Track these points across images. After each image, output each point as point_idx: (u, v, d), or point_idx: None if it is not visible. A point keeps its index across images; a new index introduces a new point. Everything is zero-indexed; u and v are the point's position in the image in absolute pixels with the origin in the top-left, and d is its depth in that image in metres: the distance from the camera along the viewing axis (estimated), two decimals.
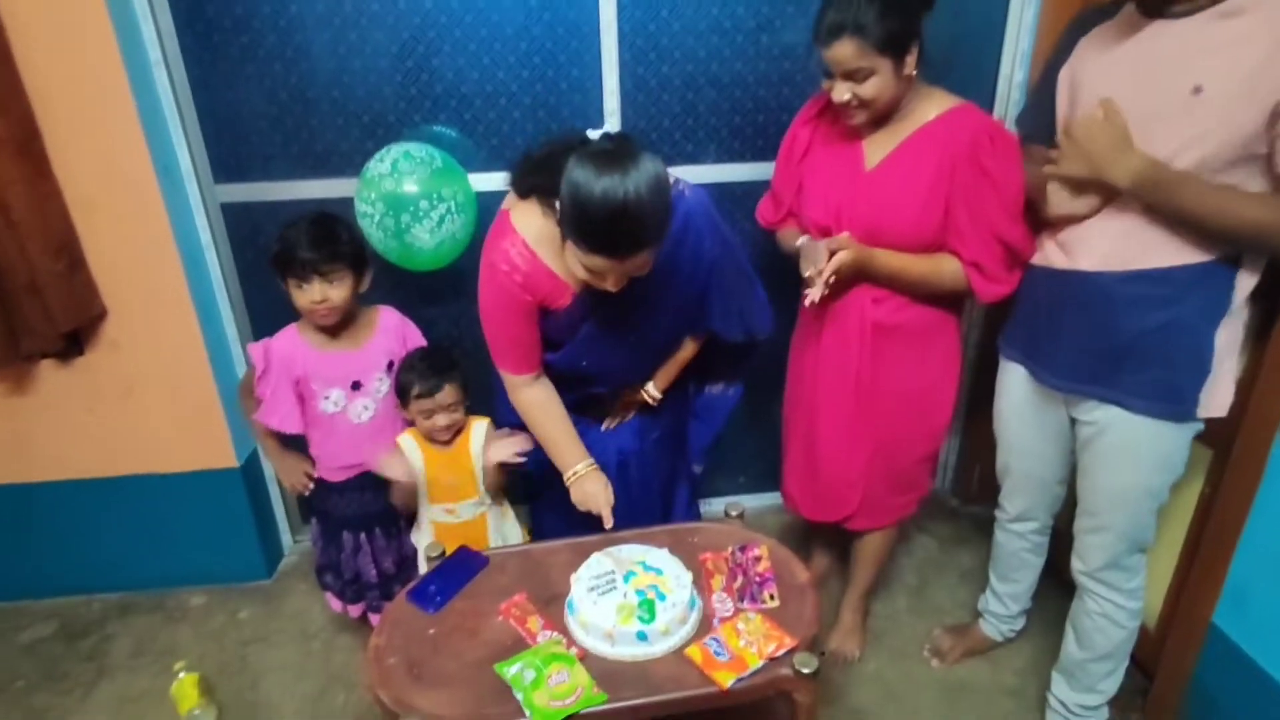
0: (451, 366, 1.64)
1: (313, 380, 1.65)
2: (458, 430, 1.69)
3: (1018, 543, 1.75)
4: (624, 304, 1.41)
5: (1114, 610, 1.49)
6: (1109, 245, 1.30)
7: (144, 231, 1.82)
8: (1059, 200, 1.34)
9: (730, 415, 1.81)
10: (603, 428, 1.69)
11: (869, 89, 1.37)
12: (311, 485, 1.77)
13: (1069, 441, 1.53)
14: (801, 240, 1.56)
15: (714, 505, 2.38)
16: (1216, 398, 1.29)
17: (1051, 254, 1.41)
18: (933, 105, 1.45)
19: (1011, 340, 1.57)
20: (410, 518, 1.80)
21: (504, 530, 1.77)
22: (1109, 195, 1.28)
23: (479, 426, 1.71)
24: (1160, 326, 1.27)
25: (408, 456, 1.68)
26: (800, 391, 1.76)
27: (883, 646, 1.96)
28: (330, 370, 1.66)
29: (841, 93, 1.38)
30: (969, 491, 2.45)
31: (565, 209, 1.18)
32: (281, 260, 1.56)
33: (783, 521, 2.37)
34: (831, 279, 1.44)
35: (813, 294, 1.45)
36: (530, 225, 1.37)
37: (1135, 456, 1.37)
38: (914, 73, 1.39)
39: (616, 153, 1.16)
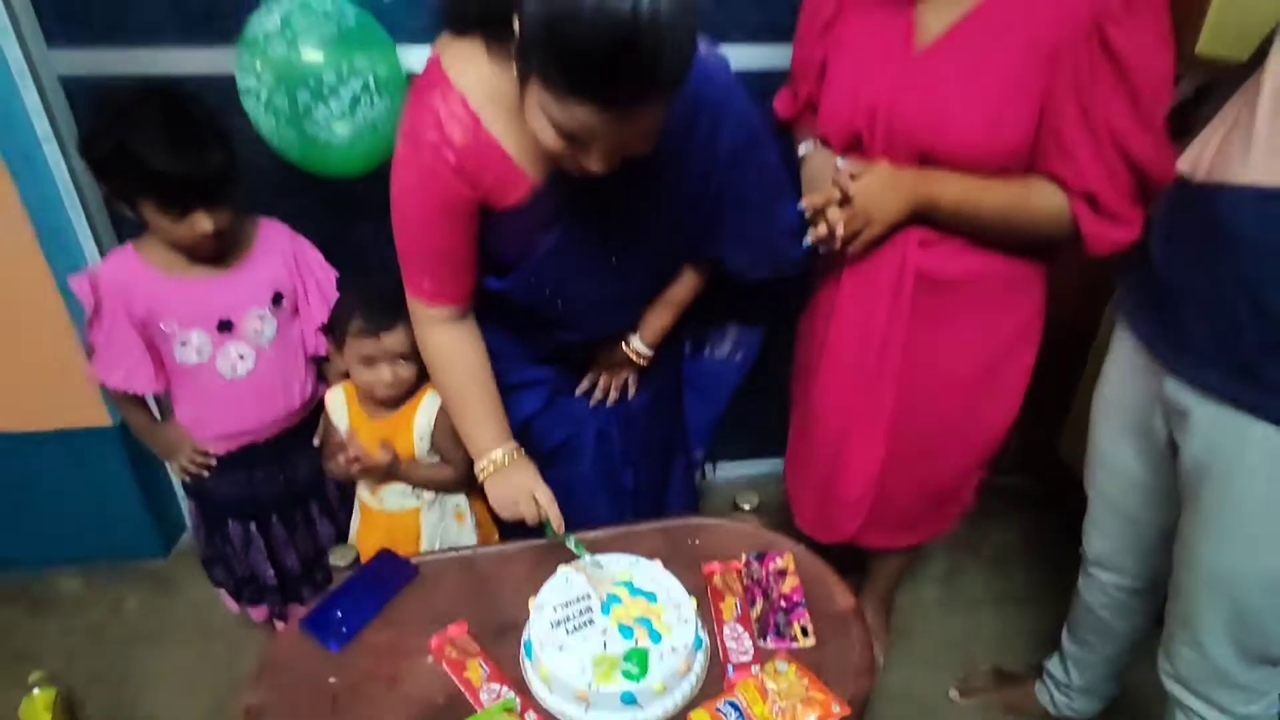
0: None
1: (162, 318, 1.21)
2: (405, 394, 1.28)
3: (1097, 596, 1.29)
4: (605, 204, 1.00)
5: None
6: None
7: None
8: None
9: (738, 389, 1.40)
10: (577, 392, 1.28)
11: None
12: (212, 463, 1.34)
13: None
14: (805, 148, 1.12)
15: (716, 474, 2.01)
16: None
17: (1209, 160, 0.94)
18: None
19: (1126, 297, 1.09)
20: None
21: (446, 536, 1.36)
22: None
23: (433, 399, 1.29)
24: None
25: (332, 415, 1.28)
26: (806, 358, 1.34)
27: (910, 651, 1.64)
28: (185, 304, 1.22)
29: None
30: (1001, 461, 2.10)
31: (534, 25, 0.74)
32: (134, 178, 1.10)
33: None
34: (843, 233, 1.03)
35: (820, 233, 1.04)
36: (471, 74, 0.92)
37: (1263, 516, 0.91)
38: None
39: None
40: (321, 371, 1.40)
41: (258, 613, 1.47)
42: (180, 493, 1.91)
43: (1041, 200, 1.03)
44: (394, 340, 1.21)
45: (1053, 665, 1.43)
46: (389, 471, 1.28)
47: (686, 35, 0.75)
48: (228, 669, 1.59)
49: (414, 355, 1.23)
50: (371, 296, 1.23)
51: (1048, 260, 1.15)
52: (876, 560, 1.58)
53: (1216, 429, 0.93)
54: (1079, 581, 1.32)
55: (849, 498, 1.29)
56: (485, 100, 0.93)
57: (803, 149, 1.13)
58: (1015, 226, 1.06)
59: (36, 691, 1.44)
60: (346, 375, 1.30)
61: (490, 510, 1.16)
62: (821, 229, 1.07)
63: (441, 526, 1.34)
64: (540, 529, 1.07)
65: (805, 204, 1.08)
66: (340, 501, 1.45)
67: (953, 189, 1.04)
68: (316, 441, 1.36)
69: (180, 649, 1.64)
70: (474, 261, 1.06)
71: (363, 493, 1.35)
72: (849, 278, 1.18)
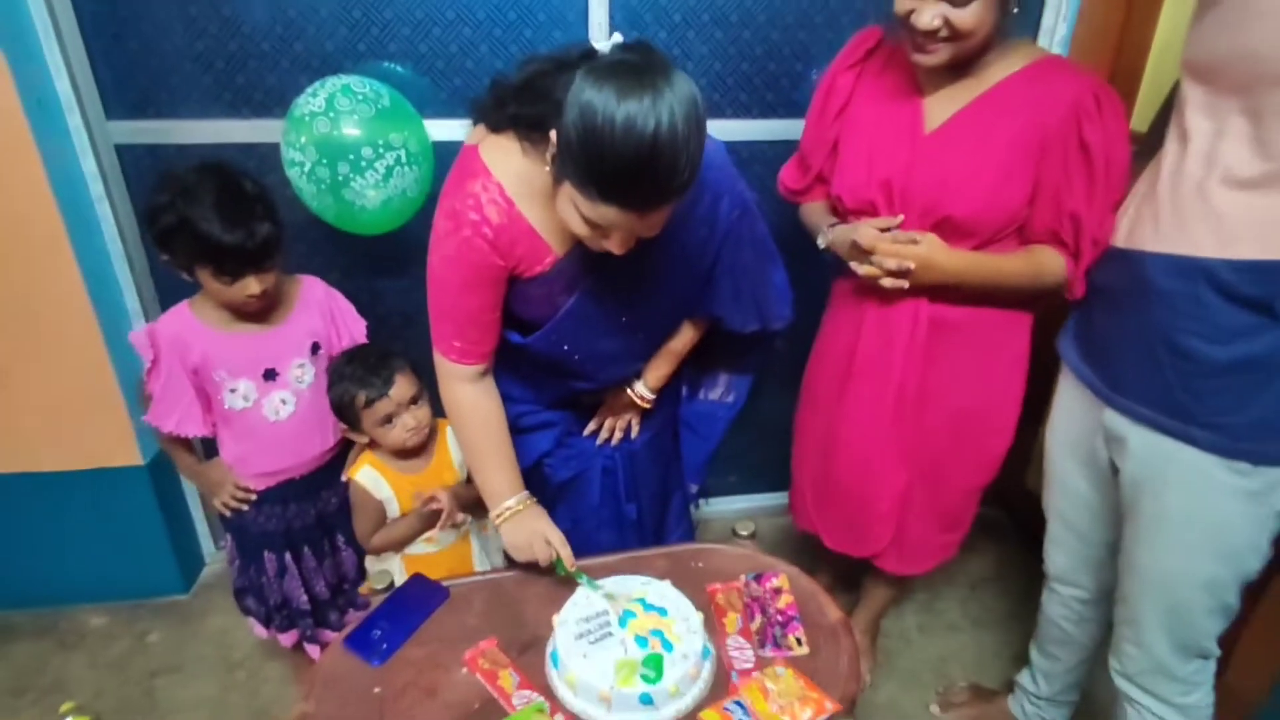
0: (388, 353, 1.34)
1: (214, 369, 1.33)
2: (429, 432, 1.40)
3: (1058, 609, 1.41)
4: (615, 275, 1.13)
5: None
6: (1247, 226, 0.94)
7: (9, 177, 1.46)
8: None
9: (729, 428, 1.54)
10: (584, 432, 1.41)
11: (968, 16, 1.08)
12: (252, 498, 1.44)
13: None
14: (823, 239, 1.29)
15: (705, 509, 2.13)
16: None
17: (1128, 227, 1.12)
18: (1016, 57, 1.18)
19: (1069, 341, 1.25)
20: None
21: (490, 551, 1.48)
22: None
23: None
24: (1270, 342, 0.95)
25: (371, 491, 1.38)
26: (820, 393, 1.49)
27: (895, 670, 1.76)
28: (235, 356, 1.34)
29: (931, 17, 1.09)
30: None
31: (571, 143, 0.88)
32: (192, 247, 1.22)
33: (781, 525, 2.13)
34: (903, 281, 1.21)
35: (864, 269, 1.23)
36: (506, 166, 1.06)
37: (1189, 524, 1.05)
38: (1015, 10, 1.11)
39: (642, 68, 0.86)
40: None
41: (287, 638, 1.55)
42: (202, 530, 2.00)
43: (1050, 264, 1.21)
44: (400, 389, 1.33)
45: (1023, 678, 1.55)
46: (463, 505, 1.39)
47: (697, 147, 0.90)
48: (251, 696, 1.67)
49: (421, 393, 1.35)
50: (359, 369, 1.34)
51: (1032, 309, 1.34)
52: (870, 587, 1.72)
53: (1149, 452, 1.08)
54: (1043, 597, 1.45)
55: (881, 511, 1.43)
56: (518, 187, 1.07)
57: (822, 240, 1.33)
58: (1029, 288, 1.25)
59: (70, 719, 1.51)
60: (368, 443, 1.41)
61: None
62: (866, 270, 1.25)
63: (484, 539, 1.47)
64: (550, 568, 1.19)
65: (867, 242, 1.24)
66: None
67: (978, 268, 1.23)
68: (358, 531, 1.42)
69: (205, 679, 1.71)
70: (498, 325, 1.19)
71: (413, 547, 1.44)
72: (868, 325, 1.35)
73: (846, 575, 1.83)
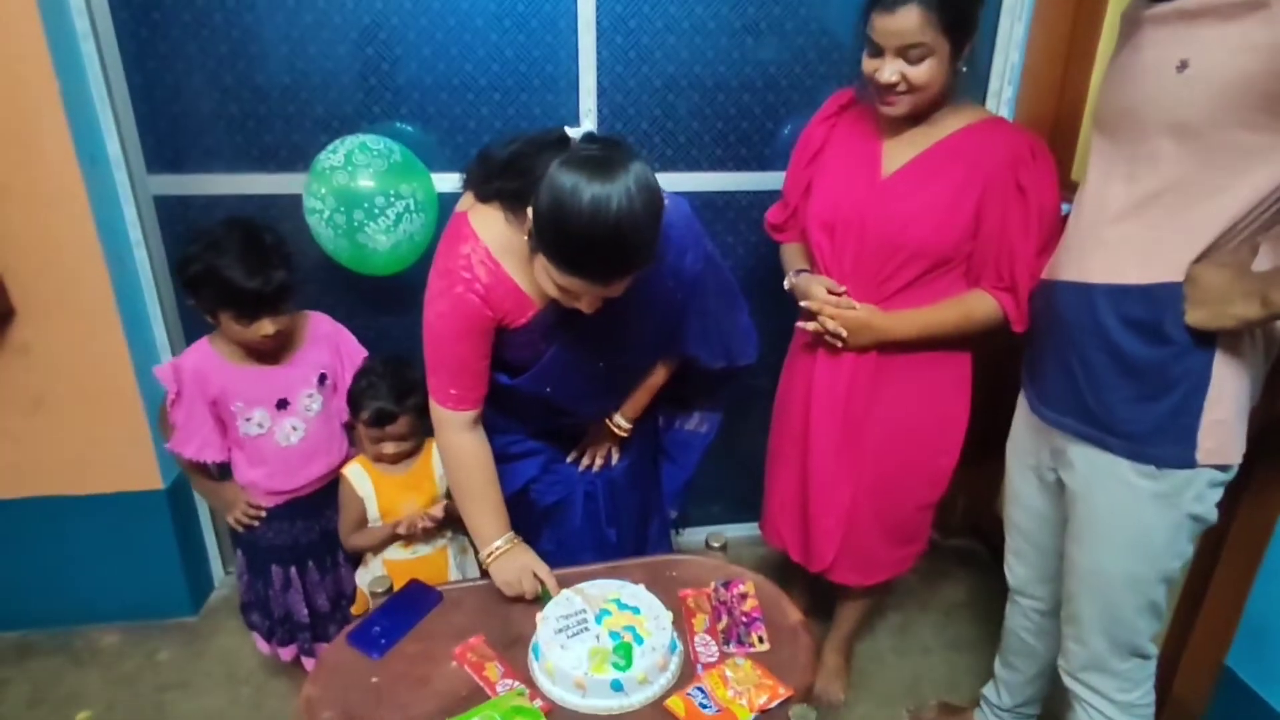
0: (411, 391, 1.46)
1: (232, 400, 1.46)
2: (409, 453, 1.52)
3: (1019, 619, 1.50)
4: (592, 324, 1.25)
5: None
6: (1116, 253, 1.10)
7: (63, 224, 1.63)
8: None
9: (705, 455, 1.66)
10: (568, 460, 1.53)
11: (922, 73, 1.25)
12: (263, 515, 1.56)
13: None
14: (790, 280, 1.45)
15: (686, 536, 2.23)
16: (1220, 438, 1.07)
17: (1057, 262, 1.27)
18: (962, 116, 1.36)
19: (1023, 369, 1.39)
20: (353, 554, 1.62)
21: (465, 567, 1.59)
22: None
23: None
24: (1160, 356, 1.07)
25: (355, 487, 1.50)
26: (790, 420, 1.62)
27: (868, 689, 1.83)
28: (251, 388, 1.47)
29: (890, 73, 1.27)
30: (950, 524, 2.35)
31: (544, 222, 1.02)
32: (216, 293, 1.37)
33: (760, 554, 2.23)
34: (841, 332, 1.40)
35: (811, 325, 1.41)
36: (493, 231, 1.20)
37: (1114, 525, 1.17)
38: (963, 69, 1.29)
39: (607, 160, 1.00)
40: (351, 436, 1.64)
41: (287, 652, 1.65)
42: (213, 554, 2.11)
43: (979, 309, 1.38)
44: (396, 428, 1.46)
45: (988, 690, 1.63)
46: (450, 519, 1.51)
47: (654, 229, 1.04)
48: (256, 711, 1.75)
49: (413, 433, 1.48)
50: (382, 394, 1.45)
51: (973, 345, 1.48)
52: (841, 606, 1.80)
53: (1081, 462, 1.20)
54: (1006, 609, 1.54)
55: (824, 530, 1.55)
56: (503, 250, 1.20)
57: (787, 282, 1.50)
58: (965, 331, 1.41)
59: None
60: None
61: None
62: (814, 326, 1.44)
63: (461, 559, 1.57)
64: (536, 599, 1.29)
65: (814, 306, 1.44)
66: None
67: (914, 324, 1.40)
68: (340, 526, 1.54)
69: (212, 694, 1.80)
70: (488, 373, 1.31)
71: (389, 549, 1.54)
72: (822, 351, 1.50)
73: (819, 602, 1.92)
